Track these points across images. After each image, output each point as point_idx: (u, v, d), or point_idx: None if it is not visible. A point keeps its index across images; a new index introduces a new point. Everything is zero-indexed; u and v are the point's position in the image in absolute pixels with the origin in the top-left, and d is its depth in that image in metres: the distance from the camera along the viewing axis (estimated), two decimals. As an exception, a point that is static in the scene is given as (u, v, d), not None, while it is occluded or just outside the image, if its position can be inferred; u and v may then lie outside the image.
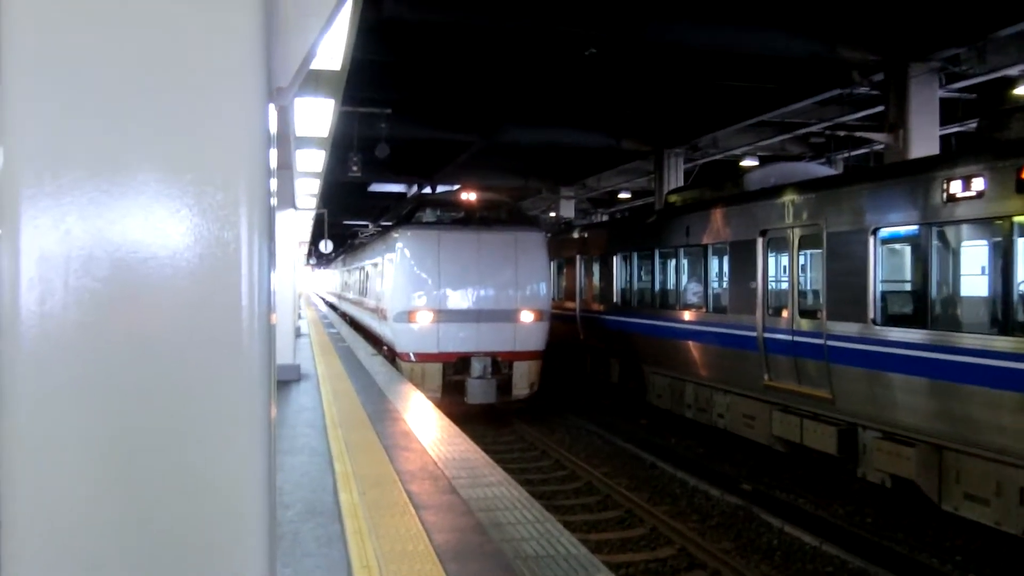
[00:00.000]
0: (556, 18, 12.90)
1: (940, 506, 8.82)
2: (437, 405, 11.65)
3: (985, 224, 8.43)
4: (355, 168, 18.11)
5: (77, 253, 2.08)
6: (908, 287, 10.02)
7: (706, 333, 13.56)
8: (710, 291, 13.77)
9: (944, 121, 15.14)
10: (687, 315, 14.24)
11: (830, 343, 10.31)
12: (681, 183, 21.22)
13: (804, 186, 11.54)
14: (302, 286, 40.24)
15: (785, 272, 11.91)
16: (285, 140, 9.15)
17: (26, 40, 2.07)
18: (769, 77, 15.81)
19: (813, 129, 19.70)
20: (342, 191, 29.71)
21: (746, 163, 21.30)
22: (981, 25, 12.49)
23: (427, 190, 28.04)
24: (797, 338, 11.09)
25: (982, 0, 12.08)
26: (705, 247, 13.78)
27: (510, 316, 16.07)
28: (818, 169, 14.74)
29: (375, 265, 20.66)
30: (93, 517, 2.08)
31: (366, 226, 37.77)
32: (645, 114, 19.93)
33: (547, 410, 17.06)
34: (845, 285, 10.11)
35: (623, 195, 31.81)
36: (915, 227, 9.27)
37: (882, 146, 15.21)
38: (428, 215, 17.51)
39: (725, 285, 13.28)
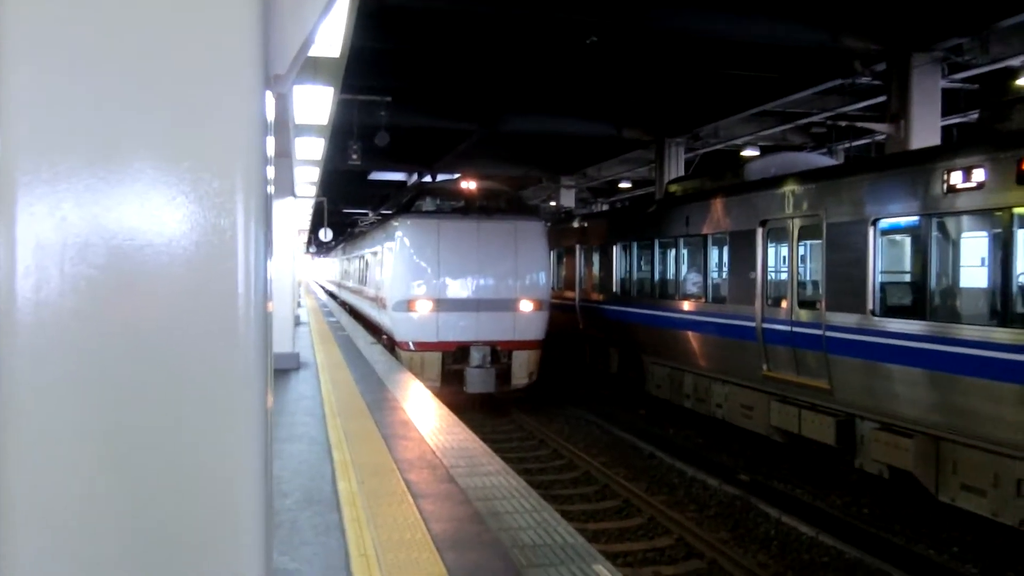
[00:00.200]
0: (557, 5, 12.85)
1: (937, 497, 8.84)
2: (436, 394, 11.67)
3: (985, 215, 8.42)
4: (355, 156, 18.06)
5: (73, 240, 2.08)
6: (907, 278, 10.02)
7: (705, 323, 13.56)
8: (709, 281, 13.77)
9: (946, 112, 15.09)
10: (686, 305, 14.24)
11: (829, 334, 10.31)
12: (682, 173, 21.18)
13: (804, 176, 11.51)
14: (302, 274, 40.24)
15: (784, 263, 11.90)
16: (284, 127, 9.12)
17: (22, 27, 2.05)
18: (771, 66, 15.76)
19: (815, 119, 19.63)
20: (342, 179, 29.67)
21: (747, 153, 21.24)
22: (984, 15, 12.44)
23: (427, 179, 27.99)
24: (796, 329, 11.09)
25: (985, -10, 12.04)
26: (705, 237, 13.76)
27: (509, 305, 16.07)
28: (819, 159, 14.73)
29: (375, 254, 20.64)
30: (88, 506, 2.08)
31: (366, 214, 37.76)
32: (646, 103, 19.88)
33: (546, 400, 17.08)
34: (844, 276, 10.10)
35: (624, 184, 31.76)
36: (915, 218, 9.26)
37: (884, 136, 15.18)
38: (428, 204, 17.47)
39: (724, 275, 13.27)
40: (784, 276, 11.88)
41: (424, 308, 15.87)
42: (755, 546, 8.71)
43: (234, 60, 2.16)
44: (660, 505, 9.86)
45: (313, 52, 5.44)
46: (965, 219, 8.83)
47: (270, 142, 2.38)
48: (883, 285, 9.84)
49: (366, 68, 14.69)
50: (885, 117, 14.57)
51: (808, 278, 11.82)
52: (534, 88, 17.92)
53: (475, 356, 15.78)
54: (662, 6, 13.11)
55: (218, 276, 2.15)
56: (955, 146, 10.43)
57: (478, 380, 15.68)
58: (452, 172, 25.82)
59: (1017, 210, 7.77)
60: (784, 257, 11.92)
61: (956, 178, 8.40)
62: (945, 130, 15.87)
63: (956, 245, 8.99)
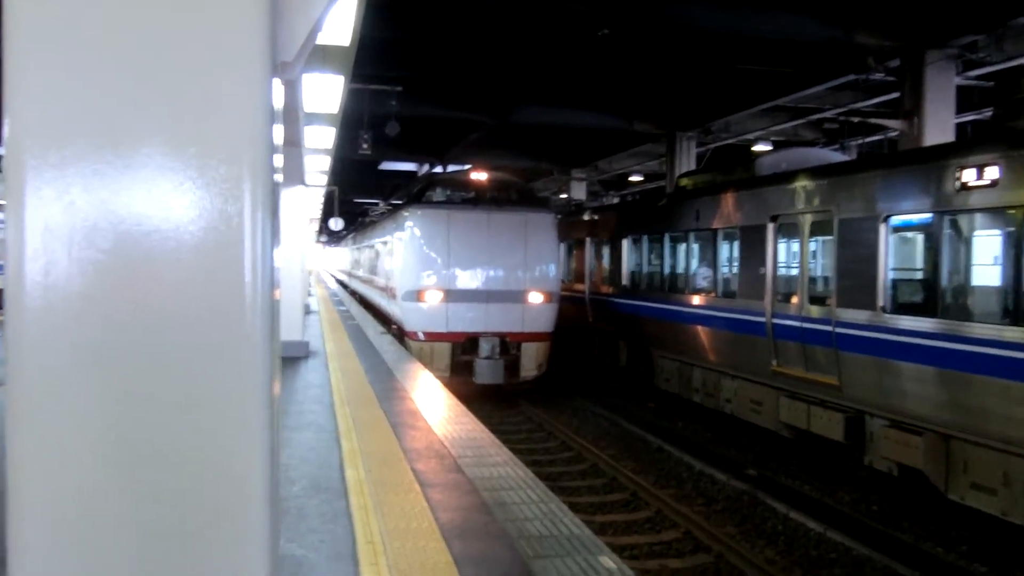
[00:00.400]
0: (570, -3, 12.79)
1: (946, 495, 8.80)
2: (445, 385, 11.68)
3: (998, 213, 8.35)
4: (365, 146, 18.07)
5: (81, 225, 2.08)
6: (919, 275, 9.95)
7: (715, 318, 13.52)
8: (719, 276, 13.73)
9: (960, 109, 14.96)
10: (696, 299, 14.20)
11: (839, 330, 10.27)
12: (693, 167, 21.10)
13: (816, 172, 11.45)
14: (312, 264, 40.33)
15: (795, 258, 11.85)
16: (294, 116, 9.13)
17: (31, 14, 2.06)
18: (784, 61, 15.65)
19: (827, 115, 19.50)
20: (353, 169, 29.65)
21: (759, 148, 21.14)
22: (999, 12, 12.32)
23: (438, 169, 27.97)
24: (806, 324, 11.05)
25: (1001, -14, 11.91)
26: (715, 231, 13.71)
27: (519, 297, 16.07)
28: (831, 155, 14.63)
29: (385, 244, 20.67)
30: (94, 487, 2.09)
31: (377, 204, 37.79)
32: (658, 96, 19.79)
33: (555, 392, 17.09)
34: (855, 272, 10.05)
35: (634, 178, 31.66)
36: (927, 215, 9.20)
37: (896, 133, 15.06)
38: (438, 194, 17.46)
39: (735, 270, 13.22)
40: (794, 272, 11.83)
41: (434, 298, 15.89)
42: (762, 541, 8.69)
43: (241, 47, 2.16)
44: (668, 499, 9.86)
45: (322, 40, 5.45)
46: (978, 217, 8.76)
47: (278, 129, 2.38)
48: (894, 282, 9.78)
49: (377, 57, 14.67)
50: (898, 114, 14.45)
51: (819, 274, 11.76)
52: (545, 80, 17.87)
53: (484, 347, 15.79)
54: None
55: (225, 262, 2.15)
56: (968, 143, 10.34)
57: (487, 371, 15.70)
58: (463, 163, 25.77)
59: (1031, 207, 7.71)
60: (795, 253, 11.87)
61: (969, 175, 8.34)
62: (959, 127, 15.74)
63: (968, 243, 8.92)
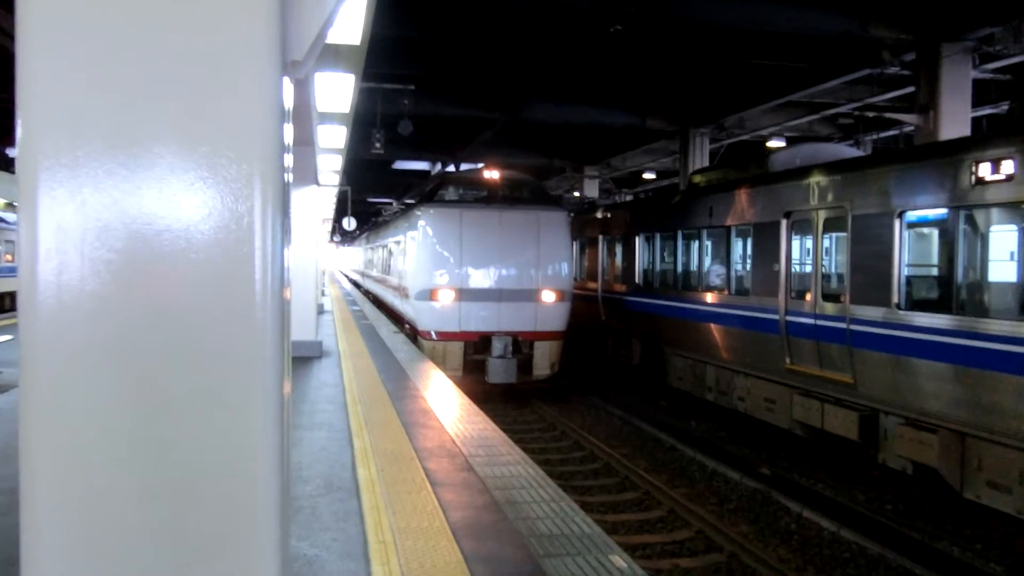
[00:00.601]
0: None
1: (962, 494, 8.73)
2: (457, 384, 11.69)
3: (1015, 208, 8.27)
4: (378, 145, 18.10)
5: (93, 224, 2.10)
6: (934, 272, 9.88)
7: (728, 316, 13.47)
8: (732, 273, 13.67)
9: (977, 103, 14.83)
10: (709, 297, 14.15)
11: (853, 327, 10.21)
12: (707, 163, 21.02)
13: (829, 168, 11.38)
14: (325, 263, 40.44)
15: (809, 255, 11.78)
16: (306, 115, 9.16)
17: (43, 15, 2.07)
18: (798, 56, 15.57)
19: (842, 110, 19.39)
20: (366, 168, 29.76)
21: (773, 144, 21.03)
22: (1016, 4, 12.19)
23: (451, 168, 28.00)
24: (820, 322, 10.99)
25: (1018, -22, 11.79)
26: (728, 228, 13.66)
27: (531, 296, 16.06)
28: (845, 150, 14.54)
29: (397, 243, 20.70)
30: (106, 486, 2.11)
31: (390, 204, 37.85)
32: (671, 93, 19.73)
33: (567, 390, 17.07)
34: (870, 269, 9.98)
35: (648, 175, 31.57)
36: (942, 210, 9.12)
37: (912, 128, 14.95)
38: (451, 193, 17.47)
39: (748, 267, 13.17)
40: (808, 269, 11.77)
41: (446, 298, 15.90)
42: (776, 540, 8.66)
43: (251, 46, 2.17)
44: (680, 498, 9.83)
45: (333, 39, 5.47)
46: (994, 211, 8.68)
47: (288, 129, 2.39)
48: (909, 278, 9.71)
49: (389, 56, 14.70)
50: (914, 108, 14.34)
51: (833, 271, 11.70)
52: (558, 77, 17.84)
53: (497, 346, 15.80)
54: (687, -6, 13.01)
55: (235, 261, 2.16)
56: (984, 137, 10.24)
57: (500, 370, 15.70)
58: (475, 161, 25.78)
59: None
60: (808, 249, 11.81)
61: (985, 170, 8.27)
62: (975, 121, 15.61)
63: (984, 238, 8.84)
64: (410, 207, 20.52)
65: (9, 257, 26.96)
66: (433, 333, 15.98)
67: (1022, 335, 7.86)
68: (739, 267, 13.62)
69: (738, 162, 15.40)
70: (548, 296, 16.14)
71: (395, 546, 4.71)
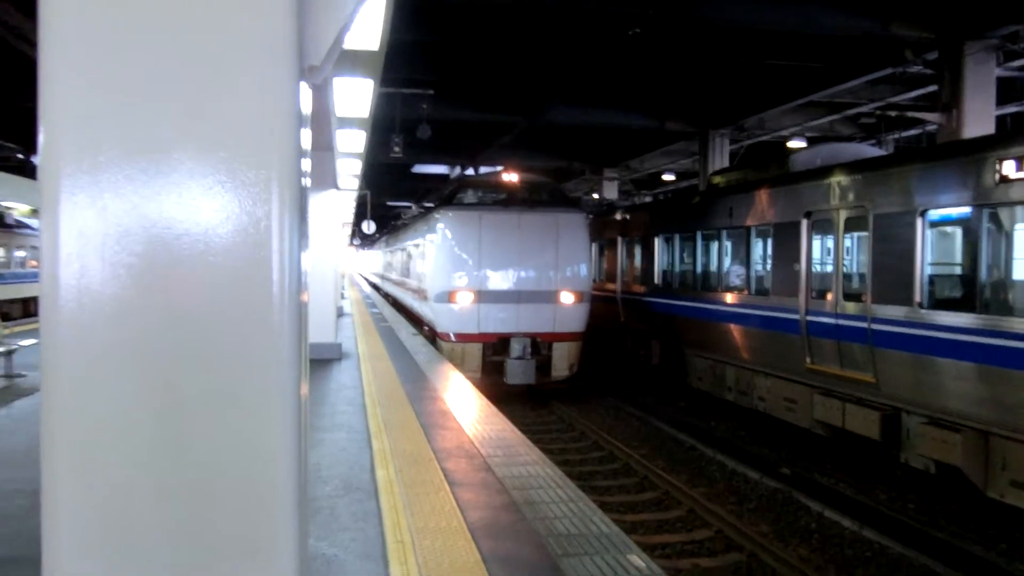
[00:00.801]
0: (600, -4, 12.76)
1: (985, 493, 8.64)
2: (476, 385, 11.72)
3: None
4: (397, 149, 18.18)
5: (114, 229, 2.14)
6: (957, 270, 9.78)
7: (748, 316, 13.41)
8: (752, 273, 13.61)
9: (1001, 101, 14.66)
10: (729, 297, 14.09)
11: (875, 327, 10.13)
12: (726, 164, 20.92)
13: (850, 167, 11.30)
14: (345, 266, 40.65)
15: (829, 254, 11.71)
16: (325, 120, 9.23)
17: (64, 23, 2.12)
18: (818, 56, 15.47)
19: (863, 109, 19.24)
20: (385, 172, 29.87)
21: (793, 144, 20.89)
22: (1041, 0, 12.05)
23: (470, 171, 28.07)
24: (841, 321, 10.91)
25: (1042, -26, 11.66)
26: (748, 229, 13.59)
27: (550, 297, 16.07)
28: (867, 150, 14.43)
29: (417, 246, 20.78)
30: (125, 487, 2.14)
31: (409, 207, 37.99)
32: (690, 94, 19.66)
33: (586, 391, 17.06)
34: (891, 268, 9.91)
35: (667, 177, 31.47)
36: (965, 209, 9.04)
37: (935, 127, 14.81)
38: (470, 196, 17.51)
39: (768, 267, 13.10)
40: (829, 268, 11.69)
41: (465, 300, 15.94)
42: (796, 540, 8.61)
43: (268, 51, 2.20)
44: (700, 497, 9.79)
45: (352, 45, 5.51)
46: (1018, 210, 8.58)
47: (305, 133, 2.42)
48: (932, 277, 9.63)
49: (407, 61, 14.77)
50: (936, 107, 14.21)
51: (854, 270, 11.61)
52: (577, 80, 17.85)
53: (515, 348, 15.81)
54: (706, -5, 12.96)
55: (253, 264, 2.19)
56: (1007, 135, 10.13)
57: (519, 371, 15.72)
58: (495, 165, 25.82)
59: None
60: (829, 249, 11.73)
61: (1009, 168, 8.18)
62: (999, 119, 15.42)
63: (1009, 236, 8.75)
64: (429, 210, 20.61)
65: (34, 263, 27.35)
66: (452, 335, 16.03)
67: (1047, 334, 7.77)
68: (759, 267, 13.55)
69: (758, 162, 15.32)
70: (567, 297, 16.15)
71: (413, 546, 4.74)
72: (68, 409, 2.12)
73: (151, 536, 2.15)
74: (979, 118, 13.50)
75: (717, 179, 16.19)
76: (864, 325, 10.33)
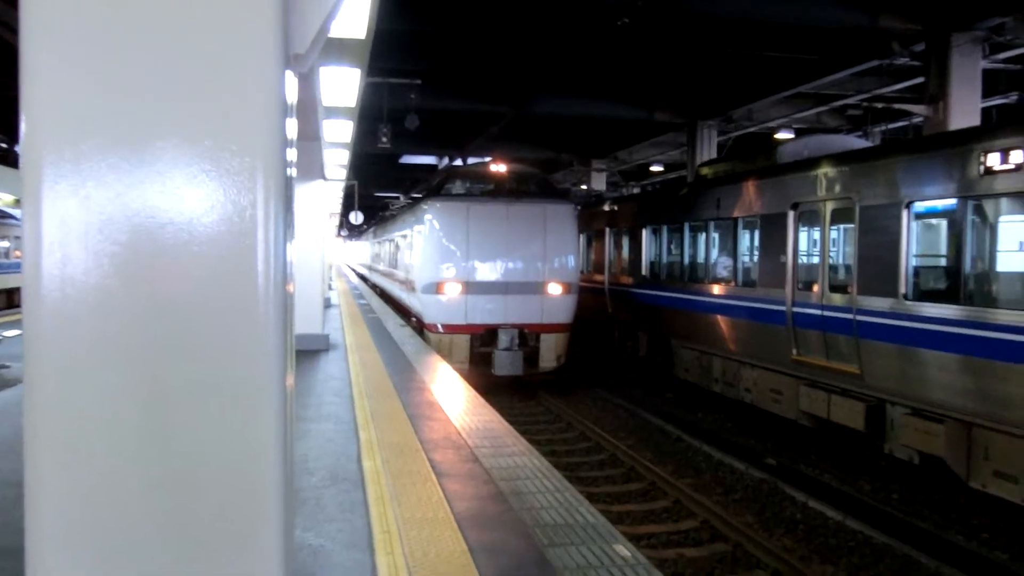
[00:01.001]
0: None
1: (968, 483, 8.73)
2: (464, 376, 11.72)
3: None
4: (385, 139, 18.10)
5: (96, 218, 2.12)
6: (942, 262, 9.85)
7: (735, 307, 13.46)
8: (739, 265, 13.65)
9: (987, 93, 14.74)
10: (716, 289, 14.14)
11: (860, 318, 10.19)
12: (715, 156, 20.96)
13: (837, 159, 11.34)
14: (333, 257, 40.51)
15: (816, 246, 11.76)
16: (312, 109, 9.17)
17: (47, 11, 2.09)
18: (807, 47, 15.49)
19: (850, 101, 19.28)
20: (373, 163, 29.75)
21: (781, 135, 20.95)
22: (1027, -7, 12.12)
23: (458, 162, 28.00)
24: (827, 313, 10.97)
25: (1028, -33, 11.71)
26: (735, 220, 13.63)
27: (538, 288, 16.08)
28: (854, 141, 14.47)
29: (404, 237, 20.74)
30: (110, 479, 2.13)
31: (397, 198, 37.86)
32: (679, 85, 19.67)
33: (574, 383, 17.10)
34: (877, 260, 9.96)
35: (655, 168, 31.50)
36: (951, 201, 9.09)
37: (921, 118, 14.87)
38: (457, 187, 17.48)
39: (755, 259, 13.15)
40: (815, 260, 11.75)
41: (453, 291, 15.93)
42: (780, 530, 8.67)
43: (253, 39, 2.18)
44: (686, 488, 9.84)
45: (338, 33, 5.47)
46: (1003, 202, 8.64)
47: (291, 122, 2.40)
48: (917, 269, 9.69)
49: (395, 50, 14.69)
50: (923, 98, 14.28)
51: (840, 262, 11.67)
52: (565, 70, 17.81)
53: (503, 339, 15.83)
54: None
55: (237, 254, 2.18)
56: (992, 127, 10.19)
57: (506, 363, 15.73)
58: (483, 155, 25.76)
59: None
60: (815, 241, 11.78)
61: (993, 160, 8.23)
62: (985, 112, 15.50)
63: (993, 228, 8.81)
64: (417, 201, 20.55)
65: (19, 253, 27.12)
66: (440, 326, 16.02)
67: (1030, 326, 7.83)
68: (746, 259, 13.60)
69: (746, 154, 15.36)
70: (554, 288, 16.16)
71: (400, 536, 4.75)
72: (52, 400, 2.11)
73: (136, 527, 2.14)
74: (965, 110, 13.57)
75: (705, 170, 16.22)
76: (850, 317, 10.39)
